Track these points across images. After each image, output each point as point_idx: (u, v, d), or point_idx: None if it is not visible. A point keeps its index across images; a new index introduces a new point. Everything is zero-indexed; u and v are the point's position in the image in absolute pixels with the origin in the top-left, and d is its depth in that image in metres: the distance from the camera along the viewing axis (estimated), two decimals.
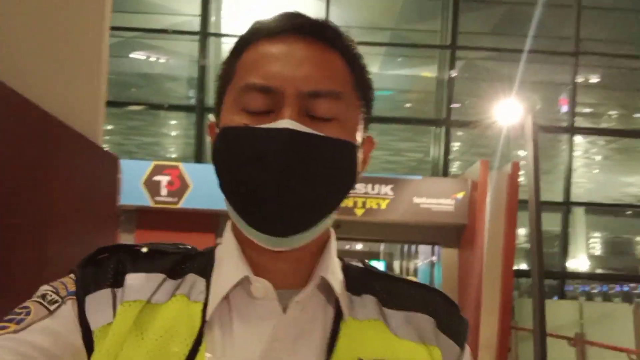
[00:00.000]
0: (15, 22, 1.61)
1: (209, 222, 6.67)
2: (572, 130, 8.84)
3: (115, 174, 1.94)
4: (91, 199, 1.78)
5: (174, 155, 9.23)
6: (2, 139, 1.27)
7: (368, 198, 6.82)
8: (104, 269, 0.57)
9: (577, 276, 9.51)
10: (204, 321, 0.54)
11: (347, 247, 12.35)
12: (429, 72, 9.12)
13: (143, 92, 8.92)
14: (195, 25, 8.49)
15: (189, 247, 0.64)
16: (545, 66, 8.87)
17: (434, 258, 8.14)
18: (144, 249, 0.60)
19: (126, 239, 6.55)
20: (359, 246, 12.49)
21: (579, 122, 9.17)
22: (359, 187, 6.60)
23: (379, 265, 12.01)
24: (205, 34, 8.48)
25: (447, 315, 0.61)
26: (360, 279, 0.62)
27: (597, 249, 10.23)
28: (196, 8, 8.44)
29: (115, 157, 1.95)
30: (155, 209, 6.66)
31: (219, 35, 8.69)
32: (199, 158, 8.31)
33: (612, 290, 10.35)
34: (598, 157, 9.84)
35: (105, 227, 1.88)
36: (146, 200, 6.62)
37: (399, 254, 11.75)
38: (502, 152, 7.16)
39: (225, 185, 0.55)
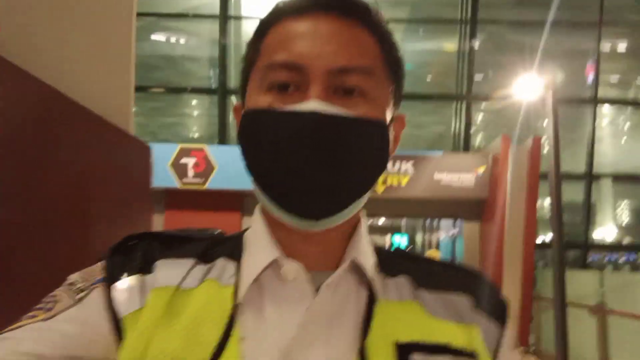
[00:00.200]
0: (42, 12, 1.57)
1: (235, 201, 6.82)
2: (596, 100, 8.70)
3: (148, 162, 1.91)
4: (127, 189, 1.76)
5: (196, 135, 9.39)
6: (42, 136, 1.26)
7: (389, 175, 6.84)
8: (132, 256, 0.57)
9: (600, 247, 9.44)
10: (235, 304, 0.53)
11: (370, 221, 12.45)
12: (450, 45, 9.00)
13: (165, 74, 9.03)
14: (215, 7, 8.52)
15: (217, 231, 0.64)
16: (569, 37, 8.67)
17: (456, 231, 8.20)
18: (173, 235, 0.60)
19: (156, 219, 6.70)
20: (381, 220, 12.57)
21: (605, 92, 8.99)
22: None
23: (402, 238, 12.14)
24: (225, 17, 8.51)
25: (486, 295, 0.59)
26: (393, 261, 0.60)
27: (625, 218, 10.05)
28: None
29: (147, 147, 1.90)
30: (182, 190, 6.81)
31: (238, 18, 8.71)
32: (222, 138, 8.41)
33: None
34: (626, 126, 9.63)
35: (141, 215, 1.86)
36: (174, 182, 6.77)
37: (421, 227, 11.84)
38: (526, 124, 7.07)
39: (253, 168, 0.53)
